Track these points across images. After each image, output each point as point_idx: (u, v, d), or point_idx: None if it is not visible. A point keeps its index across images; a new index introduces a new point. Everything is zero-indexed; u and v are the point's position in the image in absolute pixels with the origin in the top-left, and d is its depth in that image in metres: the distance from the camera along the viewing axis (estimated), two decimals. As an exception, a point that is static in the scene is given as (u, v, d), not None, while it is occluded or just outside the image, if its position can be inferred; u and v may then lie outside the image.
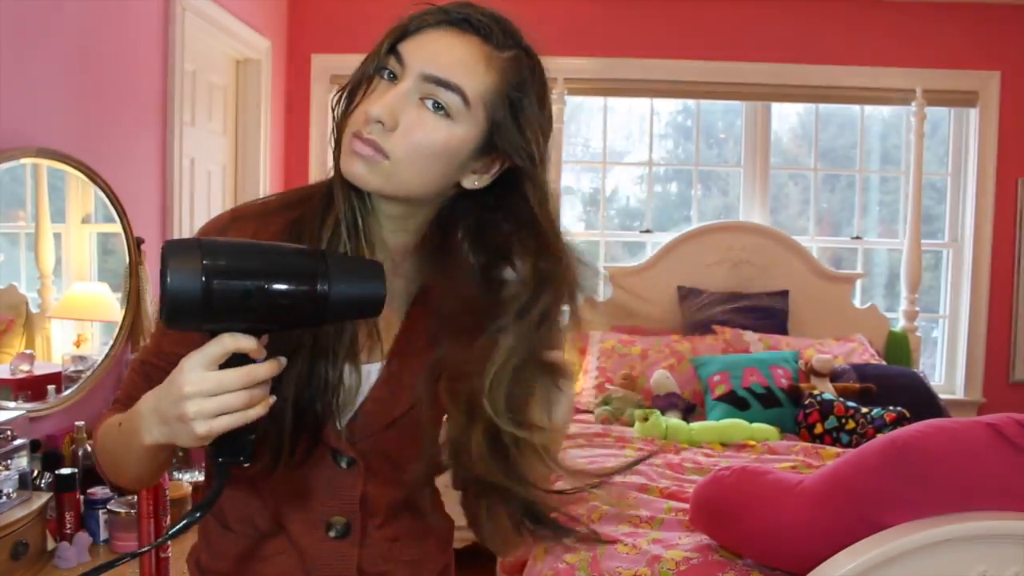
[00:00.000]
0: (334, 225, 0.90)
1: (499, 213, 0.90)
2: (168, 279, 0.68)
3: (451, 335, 0.89)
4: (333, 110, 0.89)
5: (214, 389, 0.71)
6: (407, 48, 0.84)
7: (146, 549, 0.82)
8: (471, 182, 0.89)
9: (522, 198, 0.88)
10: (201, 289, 0.68)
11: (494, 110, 0.85)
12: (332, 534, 0.95)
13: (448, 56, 0.83)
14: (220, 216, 0.96)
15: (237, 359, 0.73)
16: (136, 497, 1.90)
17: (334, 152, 0.88)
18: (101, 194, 2.44)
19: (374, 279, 0.76)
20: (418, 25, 0.85)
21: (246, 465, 0.77)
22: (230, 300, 0.70)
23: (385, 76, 0.85)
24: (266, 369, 0.74)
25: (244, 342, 0.72)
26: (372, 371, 0.94)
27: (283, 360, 0.76)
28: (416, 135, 0.83)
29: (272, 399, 0.75)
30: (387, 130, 0.83)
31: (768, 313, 3.91)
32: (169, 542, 1.87)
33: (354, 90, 0.87)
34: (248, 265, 0.71)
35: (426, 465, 0.98)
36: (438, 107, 0.83)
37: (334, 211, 0.90)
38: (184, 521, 0.73)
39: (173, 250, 0.69)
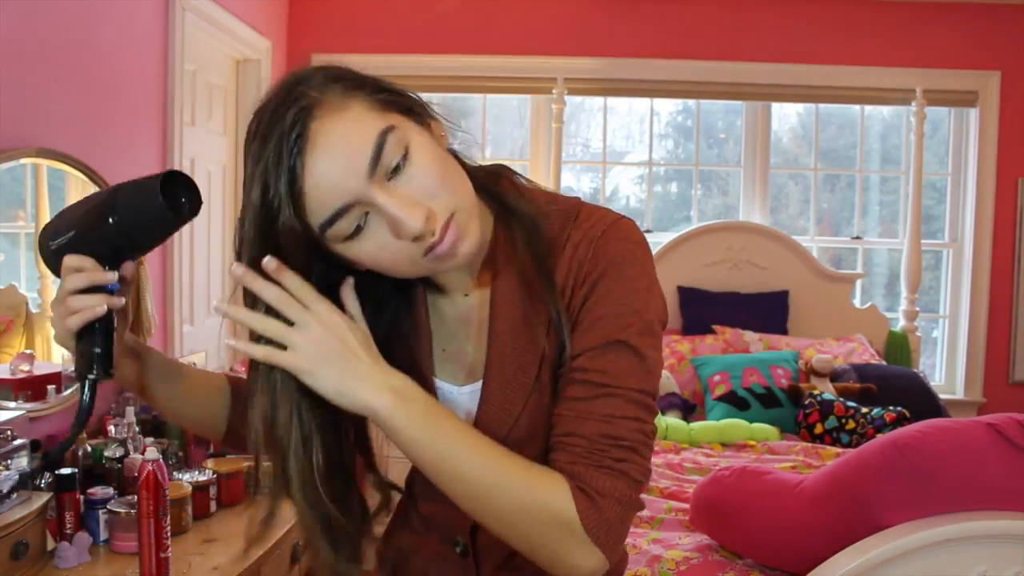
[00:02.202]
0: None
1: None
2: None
3: (510, 330, 0.92)
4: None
5: (61, 296, 0.89)
6: (319, 188, 0.79)
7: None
8: (456, 155, 0.92)
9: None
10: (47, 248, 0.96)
11: (394, 105, 0.83)
12: (458, 550, 1.01)
13: (346, 144, 0.78)
14: None
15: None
16: (136, 497, 1.90)
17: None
18: (101, 194, 2.44)
19: (151, 193, 0.88)
20: (293, 161, 0.78)
21: (104, 378, 0.91)
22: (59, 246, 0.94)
23: (356, 215, 0.81)
24: (101, 275, 0.88)
25: (76, 260, 0.89)
26: (473, 392, 0.95)
27: (130, 266, 0.92)
28: (426, 180, 0.81)
29: (120, 301, 0.90)
30: (429, 214, 0.80)
31: (768, 313, 3.91)
32: (169, 543, 1.86)
33: (347, 254, 0.83)
34: (64, 224, 0.93)
35: None
36: (397, 163, 0.80)
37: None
38: (65, 443, 0.95)
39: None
